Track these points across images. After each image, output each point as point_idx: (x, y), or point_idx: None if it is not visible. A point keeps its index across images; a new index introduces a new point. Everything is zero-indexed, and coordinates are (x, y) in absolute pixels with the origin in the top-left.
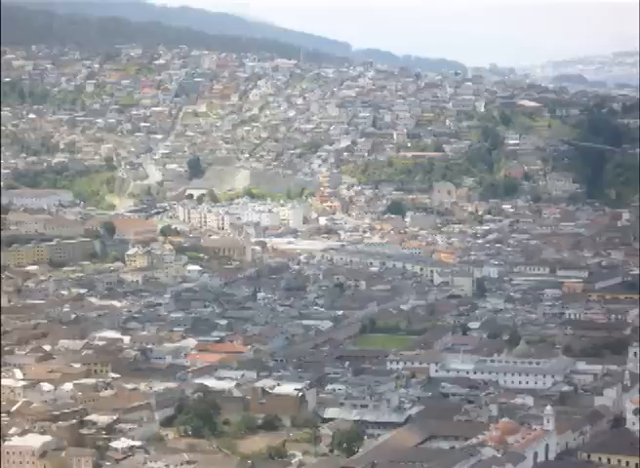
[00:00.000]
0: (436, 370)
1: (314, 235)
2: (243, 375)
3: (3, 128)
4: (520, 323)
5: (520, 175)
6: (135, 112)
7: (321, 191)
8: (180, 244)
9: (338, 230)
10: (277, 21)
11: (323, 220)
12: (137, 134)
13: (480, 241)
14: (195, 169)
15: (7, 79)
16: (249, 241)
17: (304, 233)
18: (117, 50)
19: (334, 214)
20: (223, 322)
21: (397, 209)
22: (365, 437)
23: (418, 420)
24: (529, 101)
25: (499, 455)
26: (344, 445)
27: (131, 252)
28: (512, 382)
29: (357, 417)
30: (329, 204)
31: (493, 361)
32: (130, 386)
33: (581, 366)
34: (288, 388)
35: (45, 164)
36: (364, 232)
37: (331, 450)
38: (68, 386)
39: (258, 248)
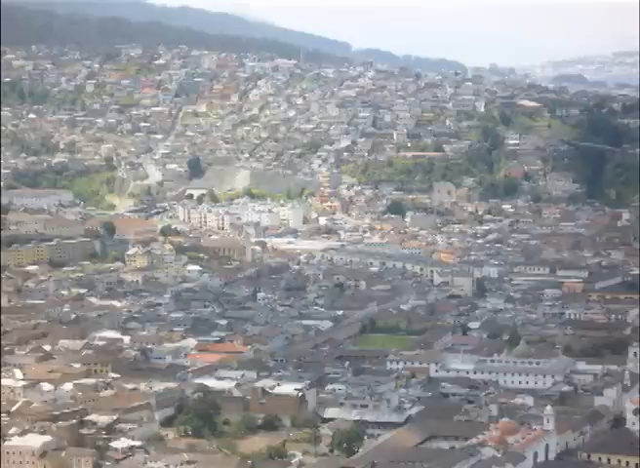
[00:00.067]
0: (436, 370)
1: (314, 235)
2: (243, 375)
3: (3, 128)
4: (520, 323)
5: (520, 175)
6: (135, 112)
7: (321, 191)
8: (180, 244)
9: (338, 230)
10: (277, 21)
11: (323, 220)
12: (137, 134)
13: (480, 241)
14: (195, 169)
15: (7, 79)
16: (249, 241)
17: (304, 233)
18: (117, 50)
19: (334, 214)
20: (223, 322)
21: (397, 209)
22: (365, 437)
23: (418, 420)
24: (529, 101)
25: (499, 455)
26: (344, 445)
27: (131, 252)
28: (512, 382)
29: (357, 417)
30: (329, 204)
31: (493, 361)
32: (130, 386)
33: (581, 366)
34: (288, 388)
35: (45, 164)
36: (364, 232)
37: (331, 450)
38: (68, 386)
39: (258, 248)
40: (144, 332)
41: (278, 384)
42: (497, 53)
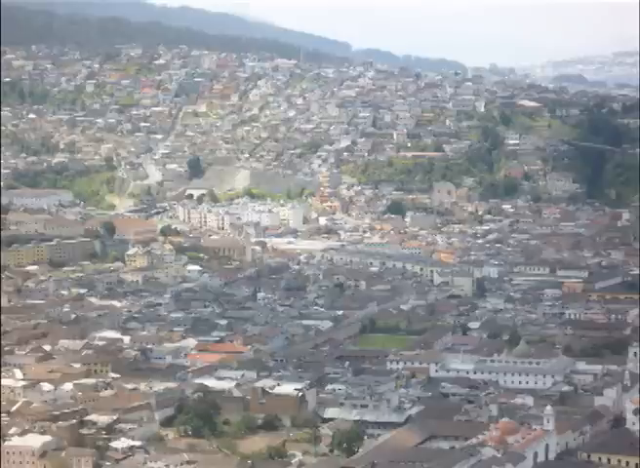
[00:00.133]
0: (436, 370)
1: (314, 235)
2: (243, 375)
3: (3, 128)
4: (520, 323)
5: (520, 175)
6: (135, 112)
7: (321, 191)
8: (180, 244)
9: (338, 230)
10: (277, 21)
11: (323, 220)
12: (137, 134)
13: (480, 241)
14: (195, 169)
15: (7, 79)
16: (249, 241)
17: (304, 233)
18: (117, 50)
19: (334, 214)
20: (223, 322)
21: (397, 209)
22: (365, 437)
23: (418, 420)
24: (529, 101)
25: (499, 455)
26: (344, 445)
27: (131, 252)
28: (512, 382)
29: (357, 417)
30: (329, 204)
31: (493, 361)
32: (130, 386)
33: (581, 366)
34: (288, 388)
35: (45, 164)
36: (364, 232)
37: (331, 450)
38: (68, 386)
39: (258, 248)
40: (144, 332)
41: (278, 384)
42: (497, 53)
